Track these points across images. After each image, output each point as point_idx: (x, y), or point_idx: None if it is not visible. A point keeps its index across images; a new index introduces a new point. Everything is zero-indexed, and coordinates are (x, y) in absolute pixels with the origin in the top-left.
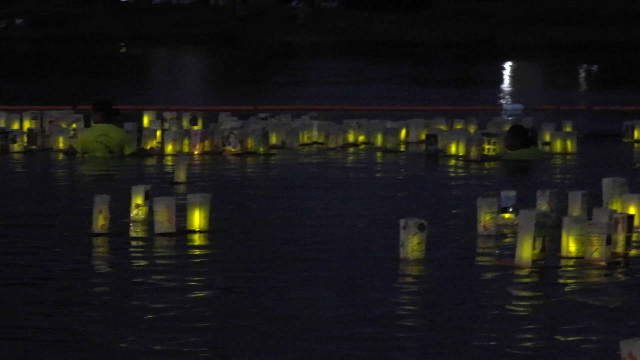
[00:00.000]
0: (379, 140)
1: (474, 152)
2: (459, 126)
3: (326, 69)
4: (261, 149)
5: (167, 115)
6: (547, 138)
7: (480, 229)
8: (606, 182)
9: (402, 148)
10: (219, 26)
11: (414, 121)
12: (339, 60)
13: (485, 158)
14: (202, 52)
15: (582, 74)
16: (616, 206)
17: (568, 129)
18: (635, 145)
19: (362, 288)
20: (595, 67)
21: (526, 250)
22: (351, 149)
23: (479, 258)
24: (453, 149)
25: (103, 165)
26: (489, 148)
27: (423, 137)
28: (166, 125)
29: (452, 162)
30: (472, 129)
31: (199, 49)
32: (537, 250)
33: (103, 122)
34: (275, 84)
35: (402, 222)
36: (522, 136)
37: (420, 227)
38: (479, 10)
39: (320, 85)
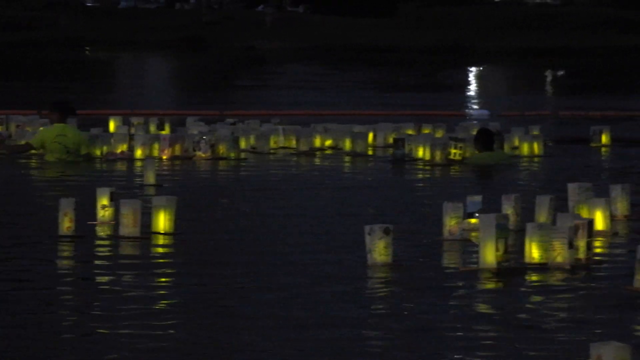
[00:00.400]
0: (347, 144)
1: (439, 156)
2: (426, 131)
3: (293, 74)
4: (232, 154)
5: (134, 120)
6: (516, 142)
7: (445, 234)
8: (572, 187)
9: (370, 152)
10: (186, 31)
11: (381, 125)
12: (306, 65)
13: (450, 162)
14: (168, 57)
15: (549, 80)
16: (583, 211)
17: (535, 133)
18: (603, 149)
19: (329, 292)
20: (562, 72)
21: (489, 254)
22: (318, 153)
23: (445, 262)
24: (420, 152)
25: (70, 169)
26: (455, 152)
27: (391, 141)
28: (132, 130)
29: (419, 166)
30: (439, 133)
31: (165, 54)
32: (500, 252)
33: (60, 122)
34: (242, 89)
35: (367, 228)
36: (488, 139)
37: (386, 231)
38: (444, 16)
39: (287, 90)
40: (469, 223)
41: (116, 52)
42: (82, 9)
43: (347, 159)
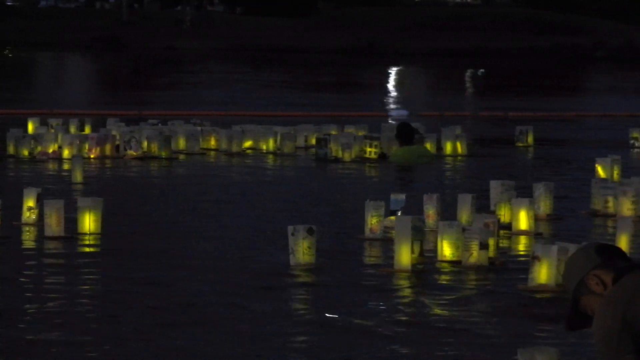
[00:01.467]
0: (270, 145)
1: (356, 155)
2: (350, 130)
3: (212, 73)
4: (163, 154)
5: (53, 121)
6: (448, 145)
7: (367, 232)
8: (494, 185)
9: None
10: (106, 31)
11: (304, 126)
12: (225, 65)
13: (367, 160)
14: (88, 57)
15: (468, 80)
16: (505, 210)
17: (458, 132)
18: (527, 149)
19: (251, 292)
20: (481, 72)
21: (404, 256)
22: (248, 152)
23: (365, 261)
24: (341, 152)
25: None
26: (370, 151)
27: (313, 141)
28: (51, 131)
29: (341, 165)
30: (361, 133)
31: (85, 54)
32: (416, 255)
33: None
34: (161, 89)
35: (290, 228)
36: (408, 133)
37: (309, 231)
38: (363, 16)
39: (206, 89)
40: (391, 221)
41: (36, 52)
42: (2, 8)
43: (270, 158)
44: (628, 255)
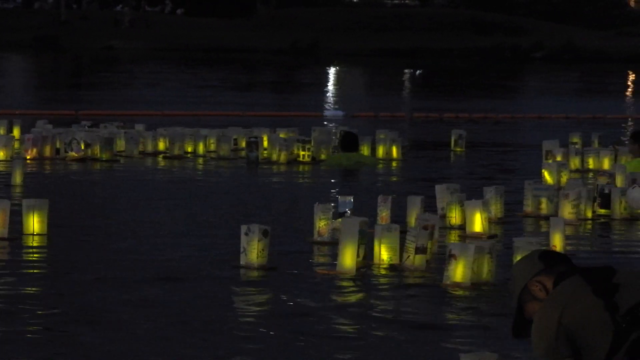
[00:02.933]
0: (200, 148)
1: (288, 157)
2: (282, 135)
3: (150, 73)
4: (104, 156)
5: None
6: (381, 149)
7: (315, 235)
8: (440, 189)
9: (213, 155)
10: (43, 30)
11: (233, 129)
12: (163, 65)
13: (300, 163)
14: (25, 57)
15: (405, 81)
16: (456, 212)
17: (390, 136)
18: (460, 151)
19: (200, 295)
20: (419, 72)
21: (349, 258)
22: (190, 154)
23: (313, 265)
24: (271, 154)
25: None
26: (303, 154)
27: (243, 144)
28: None
29: (274, 167)
30: (289, 135)
31: (22, 54)
32: (360, 258)
33: None
34: (98, 89)
35: (243, 228)
36: (351, 142)
37: (264, 234)
38: (302, 17)
39: (143, 90)
40: (339, 223)
41: None
42: None
43: (199, 161)
44: (571, 260)
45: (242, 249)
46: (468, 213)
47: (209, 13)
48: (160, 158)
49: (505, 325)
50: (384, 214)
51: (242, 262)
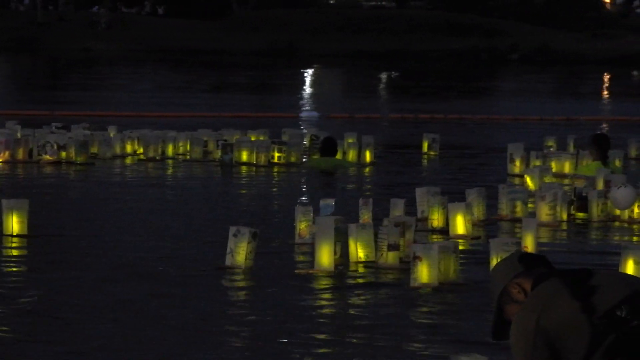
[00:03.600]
0: (169, 150)
1: (263, 160)
2: (252, 137)
3: (126, 75)
4: (79, 159)
5: None
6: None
7: (296, 237)
8: (420, 192)
9: (181, 158)
10: (20, 32)
11: (203, 131)
12: (140, 67)
13: (275, 165)
14: (1, 58)
15: (382, 82)
16: (438, 215)
17: (350, 140)
18: (433, 154)
19: (187, 297)
20: (395, 74)
21: (325, 257)
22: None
23: (296, 266)
24: (245, 157)
25: None
26: (279, 156)
27: (211, 146)
28: None
29: (246, 170)
30: (262, 137)
31: None
32: (338, 256)
33: None
34: (74, 90)
35: (232, 229)
36: (331, 147)
37: (254, 236)
38: (279, 19)
39: (120, 91)
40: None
41: None
42: None
43: (169, 162)
44: (551, 262)
45: (228, 250)
46: (451, 215)
47: (185, 14)
48: (130, 160)
49: (467, 324)
50: (365, 216)
51: (227, 263)
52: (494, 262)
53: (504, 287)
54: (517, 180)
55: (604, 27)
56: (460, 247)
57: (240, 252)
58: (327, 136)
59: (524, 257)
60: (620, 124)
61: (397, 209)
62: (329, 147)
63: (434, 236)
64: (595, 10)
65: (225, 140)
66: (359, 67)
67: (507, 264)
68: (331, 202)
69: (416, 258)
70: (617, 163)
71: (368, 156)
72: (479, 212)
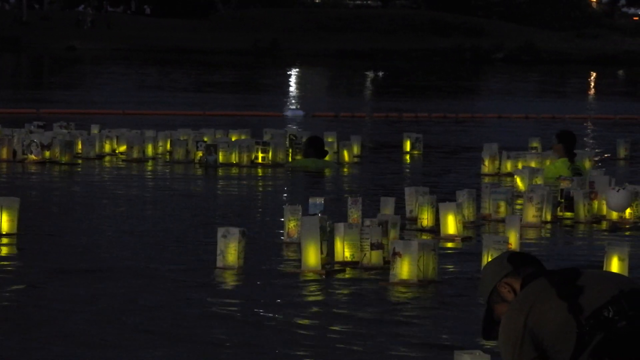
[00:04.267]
0: (149, 150)
1: (246, 160)
2: (233, 137)
3: (110, 74)
4: (63, 159)
5: None
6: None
7: (285, 237)
8: (409, 191)
9: (160, 157)
10: (4, 31)
11: (181, 131)
12: (124, 66)
13: (258, 165)
14: None
15: (367, 81)
16: (427, 214)
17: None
18: (417, 154)
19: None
20: (379, 73)
21: (312, 256)
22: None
23: (282, 266)
24: (229, 157)
25: None
26: (263, 156)
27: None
28: None
29: (231, 170)
30: (244, 136)
31: None
32: (324, 255)
33: None
34: (58, 89)
35: (221, 230)
36: (319, 147)
37: (243, 235)
38: (263, 18)
39: (103, 90)
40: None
41: None
42: None
43: (149, 164)
44: (541, 262)
45: (219, 251)
46: (442, 215)
47: (169, 13)
48: (108, 160)
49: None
50: (355, 215)
51: (219, 264)
52: (485, 260)
53: (494, 286)
54: (487, 180)
55: (589, 27)
56: (450, 246)
57: (231, 252)
58: (313, 135)
59: (513, 256)
60: (605, 122)
61: (387, 207)
62: (316, 147)
63: (424, 236)
64: (580, 9)
65: (205, 141)
66: (343, 66)
67: (497, 263)
68: (320, 200)
69: (396, 254)
70: (587, 164)
71: (347, 156)
72: (469, 213)
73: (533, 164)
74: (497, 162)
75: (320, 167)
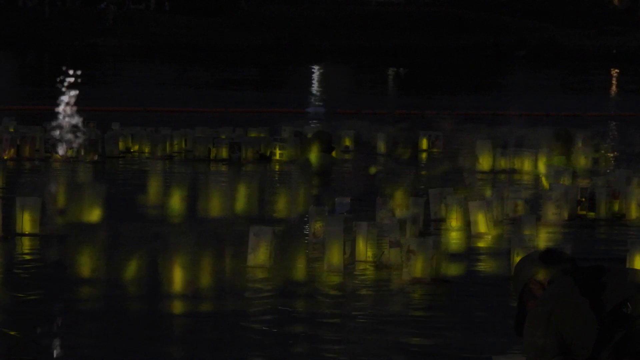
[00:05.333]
0: (150, 148)
1: (258, 157)
2: (252, 134)
3: (133, 71)
4: (88, 157)
5: None
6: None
7: (310, 237)
8: (433, 193)
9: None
10: (28, 28)
11: (200, 129)
12: (147, 63)
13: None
14: (9, 54)
15: (389, 79)
16: (456, 214)
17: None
18: (436, 152)
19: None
20: (402, 70)
21: (336, 256)
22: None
23: (312, 265)
24: (247, 154)
25: None
26: (281, 153)
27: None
28: None
29: (249, 167)
30: (263, 134)
31: (6, 51)
32: (347, 255)
33: None
34: (82, 86)
35: (254, 228)
36: (326, 142)
37: (274, 234)
38: (285, 14)
39: (127, 88)
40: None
41: None
42: None
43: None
44: (573, 259)
45: (250, 250)
46: (472, 214)
47: (191, 11)
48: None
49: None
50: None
51: (250, 263)
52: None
53: (525, 284)
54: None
55: (611, 24)
56: (480, 245)
57: (263, 251)
58: (320, 130)
59: (545, 254)
60: (627, 119)
61: (419, 208)
62: (326, 143)
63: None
64: (602, 6)
65: (223, 138)
66: (366, 63)
67: (529, 261)
68: (347, 200)
69: (410, 252)
70: (583, 161)
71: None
72: (497, 211)
73: (527, 163)
74: (500, 160)
75: (326, 162)
